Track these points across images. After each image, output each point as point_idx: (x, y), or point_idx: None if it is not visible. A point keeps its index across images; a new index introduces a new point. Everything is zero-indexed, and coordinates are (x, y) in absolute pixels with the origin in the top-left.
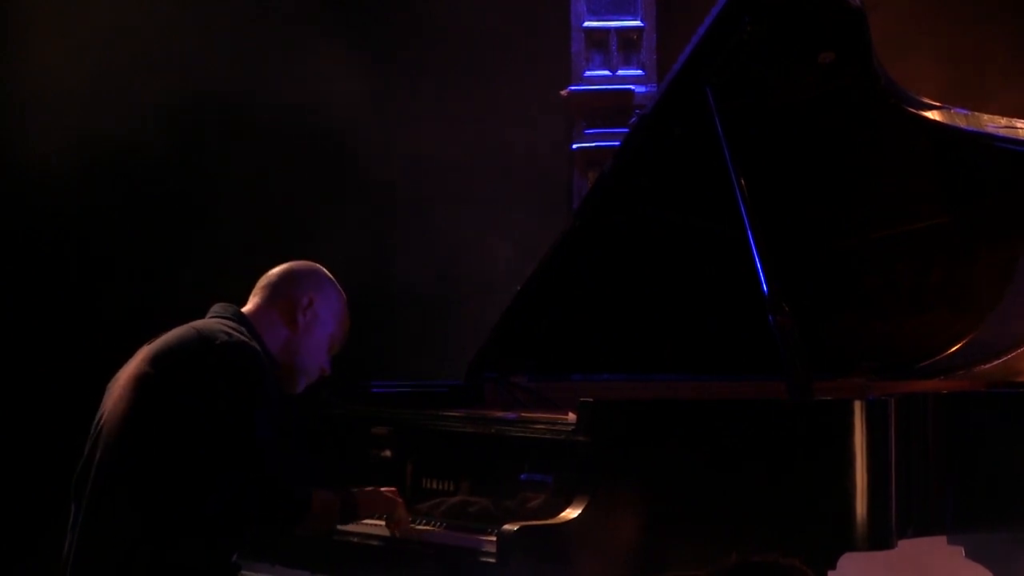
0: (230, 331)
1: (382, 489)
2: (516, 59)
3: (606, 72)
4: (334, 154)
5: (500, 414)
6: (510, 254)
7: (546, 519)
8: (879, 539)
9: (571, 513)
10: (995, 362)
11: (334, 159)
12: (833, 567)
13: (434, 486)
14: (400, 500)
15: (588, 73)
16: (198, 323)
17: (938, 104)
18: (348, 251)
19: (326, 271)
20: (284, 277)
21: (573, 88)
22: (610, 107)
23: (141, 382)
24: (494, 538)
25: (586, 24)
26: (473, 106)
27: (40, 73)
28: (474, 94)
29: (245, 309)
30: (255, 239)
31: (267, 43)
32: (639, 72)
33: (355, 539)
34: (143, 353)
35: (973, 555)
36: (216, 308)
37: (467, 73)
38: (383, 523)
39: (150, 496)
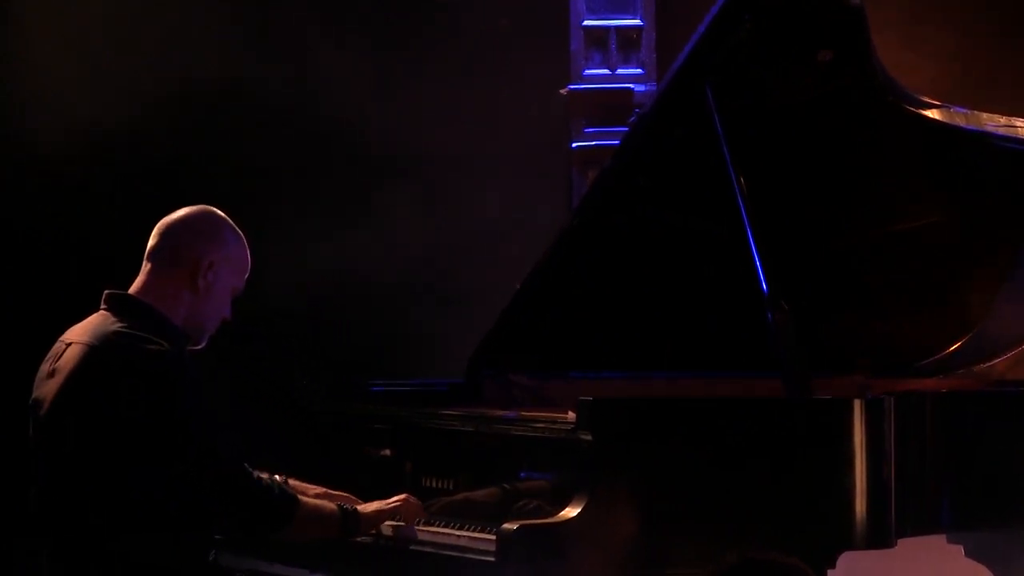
0: (124, 342)
1: (390, 501)
2: (516, 57)
3: (605, 71)
4: (333, 152)
5: (499, 412)
6: (509, 251)
7: (545, 518)
8: (878, 538)
9: (570, 512)
10: (993, 361)
11: (333, 157)
12: (832, 566)
13: (433, 484)
14: (409, 497)
15: (587, 72)
16: (91, 336)
17: (937, 103)
18: (346, 248)
19: (222, 216)
20: (180, 237)
21: (572, 87)
22: (609, 106)
23: (55, 423)
24: (493, 537)
25: (585, 23)
26: (473, 104)
27: (40, 68)
28: (474, 92)
29: (138, 284)
30: (253, 231)
31: (270, 36)
32: (638, 71)
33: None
34: (51, 383)
35: (972, 554)
36: (104, 298)
37: (467, 71)
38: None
39: (99, 523)
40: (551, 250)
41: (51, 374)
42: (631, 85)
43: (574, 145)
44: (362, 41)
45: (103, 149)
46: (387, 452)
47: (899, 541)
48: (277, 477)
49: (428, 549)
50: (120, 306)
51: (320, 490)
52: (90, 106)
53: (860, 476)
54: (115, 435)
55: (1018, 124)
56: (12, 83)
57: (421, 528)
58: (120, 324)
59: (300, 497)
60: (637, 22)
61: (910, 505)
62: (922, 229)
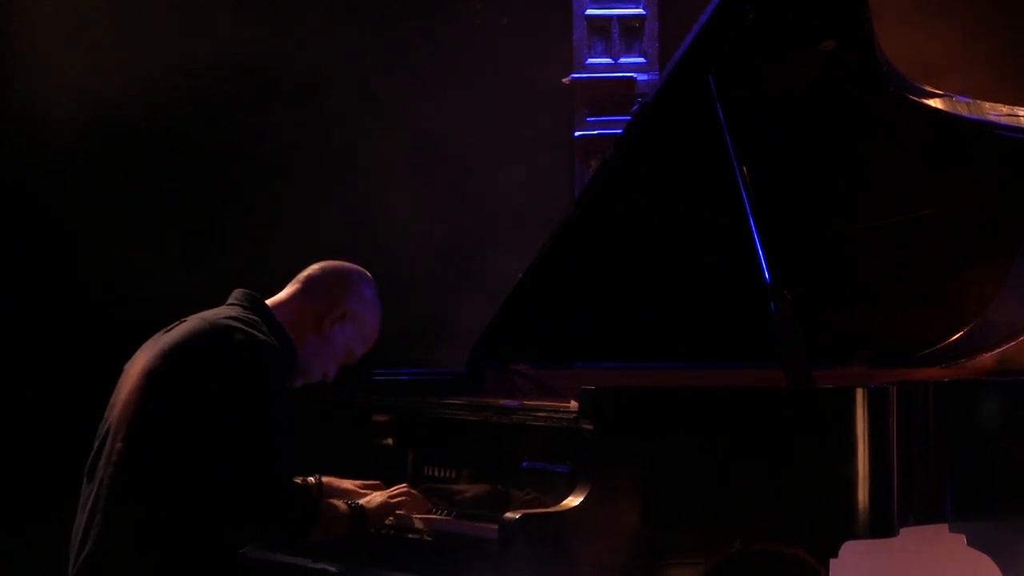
0: (242, 326)
1: (392, 493)
2: (518, 47)
3: (608, 60)
4: (335, 138)
5: (502, 402)
6: (511, 241)
7: (548, 507)
8: (881, 527)
9: (573, 501)
10: (996, 350)
11: (335, 144)
12: (835, 555)
13: (436, 474)
14: (412, 493)
15: (590, 61)
16: (211, 315)
17: (940, 92)
18: (346, 237)
19: (372, 281)
20: (329, 278)
21: (575, 76)
22: (612, 95)
23: (151, 378)
24: (495, 526)
25: (588, 12)
26: (475, 94)
27: (45, 53)
28: (476, 81)
29: (276, 298)
30: (256, 223)
31: (277, 24)
32: (641, 60)
33: None
34: (156, 345)
35: (974, 543)
36: (236, 295)
37: (470, 60)
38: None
39: (159, 489)
40: (553, 240)
41: (158, 340)
42: (633, 74)
43: (576, 134)
44: (364, 29)
45: (105, 133)
46: (389, 441)
47: (901, 530)
48: (311, 479)
49: (430, 538)
50: (249, 302)
51: (349, 484)
52: (91, 90)
53: (862, 465)
54: (198, 409)
55: (1020, 113)
56: (17, 70)
57: (423, 517)
58: (243, 312)
59: (323, 502)
60: (639, 11)
61: (912, 494)
62: (925, 219)
